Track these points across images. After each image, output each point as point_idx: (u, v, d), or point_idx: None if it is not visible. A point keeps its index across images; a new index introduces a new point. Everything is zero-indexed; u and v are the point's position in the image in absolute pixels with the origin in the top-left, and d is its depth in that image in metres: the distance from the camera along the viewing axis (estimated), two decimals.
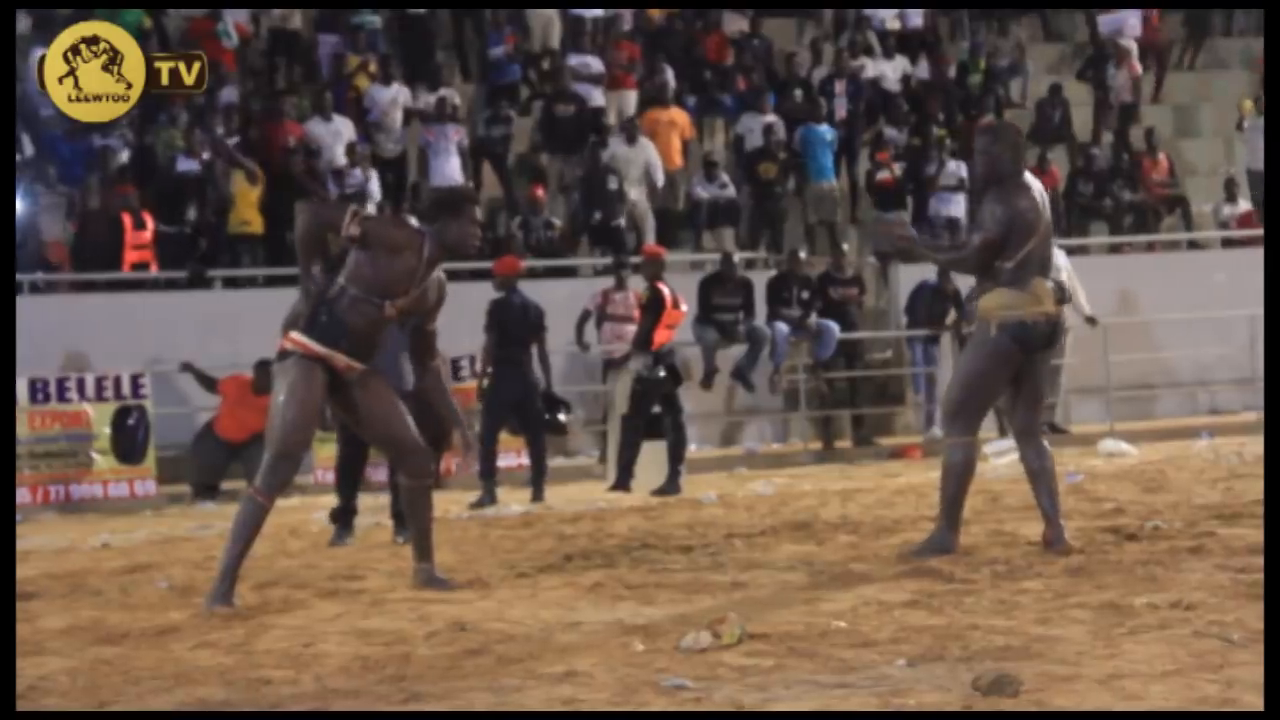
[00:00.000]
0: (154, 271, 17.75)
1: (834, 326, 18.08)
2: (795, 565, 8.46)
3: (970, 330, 9.69)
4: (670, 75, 21.05)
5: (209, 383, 16.18)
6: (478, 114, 20.40)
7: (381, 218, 9.76)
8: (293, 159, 18.60)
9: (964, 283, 17.23)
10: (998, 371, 8.58)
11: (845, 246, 19.44)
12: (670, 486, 13.87)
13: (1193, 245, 21.79)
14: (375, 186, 18.55)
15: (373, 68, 20.14)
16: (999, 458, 14.55)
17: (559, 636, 6.65)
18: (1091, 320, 18.16)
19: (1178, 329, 19.74)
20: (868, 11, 22.86)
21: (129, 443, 15.82)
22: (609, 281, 17.31)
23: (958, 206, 20.30)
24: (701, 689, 5.52)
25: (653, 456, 14.20)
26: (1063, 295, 8.63)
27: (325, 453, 14.36)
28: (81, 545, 11.84)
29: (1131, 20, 23.52)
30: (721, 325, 17.57)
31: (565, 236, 19.34)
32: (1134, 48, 23.24)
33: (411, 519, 8.34)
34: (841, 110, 21.22)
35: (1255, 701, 5.01)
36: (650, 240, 18.93)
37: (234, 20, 20.33)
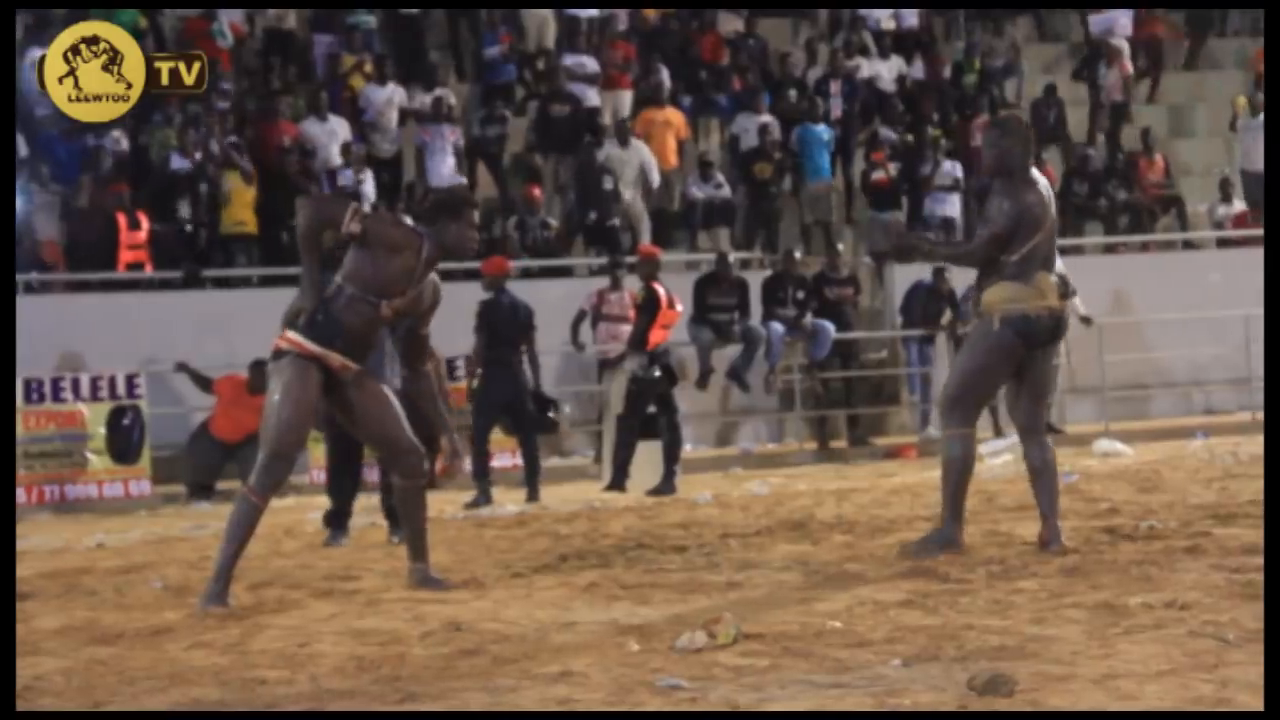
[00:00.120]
0: (149, 271, 17.74)
1: (829, 326, 18.10)
2: (790, 565, 8.45)
3: (966, 330, 9.68)
4: (665, 75, 21.04)
5: (204, 383, 16.18)
6: (473, 114, 20.40)
7: (381, 216, 9.75)
8: (288, 159, 18.60)
9: (959, 283, 17.29)
10: (999, 365, 8.55)
11: (840, 246, 19.47)
12: (665, 486, 13.87)
13: (1188, 245, 21.78)
14: (370, 187, 18.55)
15: (368, 68, 20.13)
16: (994, 458, 14.58)
17: (554, 636, 6.64)
18: (1086, 320, 18.15)
19: (1173, 329, 19.74)
20: (863, 11, 22.84)
21: (124, 443, 15.83)
22: (604, 281, 17.32)
23: (953, 206, 20.32)
24: (697, 689, 5.52)
25: (648, 456, 14.20)
26: (1066, 290, 8.58)
27: (320, 452, 14.34)
28: (76, 545, 11.83)
29: (1122, 19, 23.52)
30: (717, 325, 17.58)
31: (560, 236, 19.33)
32: (1125, 47, 23.25)
33: (406, 519, 8.32)
34: (836, 110, 21.22)
35: (1250, 701, 5.01)
36: (645, 240, 18.94)
37: (229, 20, 20.31)
